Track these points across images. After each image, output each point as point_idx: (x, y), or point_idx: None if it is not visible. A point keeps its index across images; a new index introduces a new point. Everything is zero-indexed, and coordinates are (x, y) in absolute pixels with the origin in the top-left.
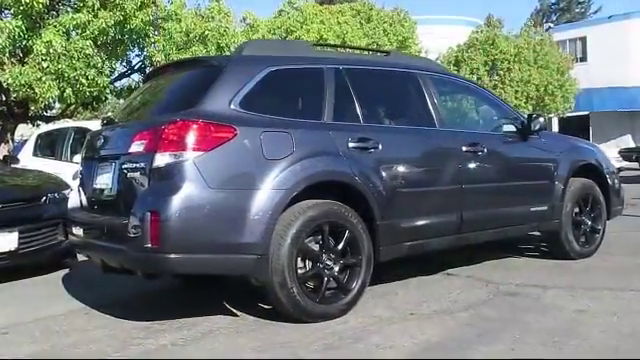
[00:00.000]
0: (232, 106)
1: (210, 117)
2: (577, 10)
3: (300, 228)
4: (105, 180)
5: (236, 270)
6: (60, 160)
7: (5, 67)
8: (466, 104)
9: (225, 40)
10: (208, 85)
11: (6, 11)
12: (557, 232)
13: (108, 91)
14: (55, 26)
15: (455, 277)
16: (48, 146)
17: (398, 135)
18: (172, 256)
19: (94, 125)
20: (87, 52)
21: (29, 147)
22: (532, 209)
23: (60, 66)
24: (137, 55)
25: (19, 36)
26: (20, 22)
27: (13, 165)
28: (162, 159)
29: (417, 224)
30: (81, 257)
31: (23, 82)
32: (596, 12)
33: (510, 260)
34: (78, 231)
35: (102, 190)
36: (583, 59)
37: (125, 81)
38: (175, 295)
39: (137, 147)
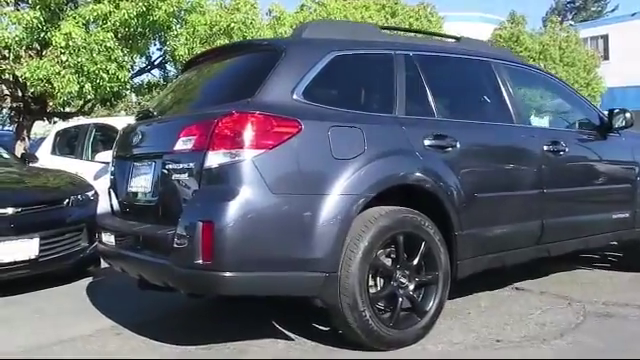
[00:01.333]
0: (295, 96)
1: (270, 109)
2: (593, 9)
3: (372, 240)
4: (143, 182)
5: (301, 291)
6: (81, 159)
7: (22, 60)
8: (541, 97)
9: (251, 33)
10: (265, 72)
11: (23, 3)
12: (638, 242)
13: (128, 86)
14: (74, 17)
15: (528, 293)
16: (67, 144)
17: (476, 132)
18: (227, 274)
19: (116, 122)
20: (108, 45)
21: (47, 145)
22: (614, 216)
23: (80, 59)
24: (158, 49)
25: (37, 28)
26: (38, 13)
27: (32, 164)
28: (215, 158)
29: (497, 234)
30: (104, 264)
31: (41, 76)
32: (613, 10)
33: (581, 273)
34: (109, 240)
35: (139, 194)
36: (605, 57)
37: (144, 77)
38: (216, 311)
39: (184, 144)
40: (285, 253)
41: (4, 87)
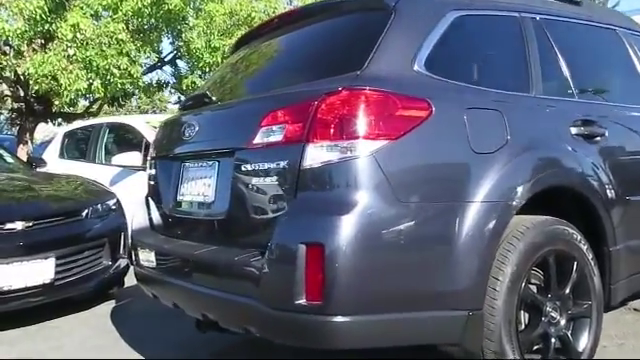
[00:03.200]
0: (416, 67)
1: (389, 84)
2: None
3: (520, 262)
4: (201, 189)
5: (439, 337)
6: (94, 162)
7: (25, 54)
8: None
9: None
10: (373, 36)
11: None
12: None
13: (141, 84)
14: (82, 7)
15: None
16: (77, 146)
17: (623, 117)
18: (343, 319)
19: (133, 120)
20: (119, 37)
21: (54, 148)
22: None
23: (88, 53)
24: (171, 43)
25: (41, 19)
26: (42, 2)
27: (39, 169)
28: (318, 154)
29: None
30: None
31: (46, 72)
32: (614, 7)
33: None
34: (148, 261)
35: (195, 204)
36: None
37: (154, 75)
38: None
39: (268, 136)
40: (420, 286)
41: (4, 86)
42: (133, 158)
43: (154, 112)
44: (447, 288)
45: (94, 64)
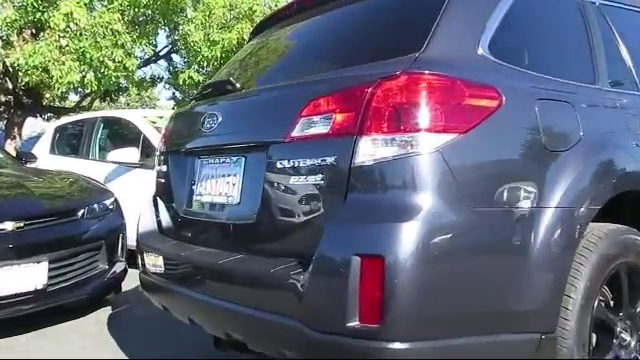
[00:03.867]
0: (480, 50)
1: (454, 69)
2: None
3: (594, 277)
4: (222, 188)
5: None
6: (87, 159)
7: (15, 44)
8: None
9: None
10: (429, 14)
11: None
12: None
13: (136, 77)
14: None
15: None
16: (69, 141)
17: None
18: (403, 347)
19: (130, 115)
20: (115, 28)
21: (45, 143)
22: None
23: (82, 45)
24: (167, 36)
25: (32, 7)
26: None
27: (29, 164)
28: (374, 149)
29: None
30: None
31: (37, 63)
32: None
33: None
34: (157, 268)
35: (216, 205)
36: None
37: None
38: None
39: (310, 127)
40: (491, 305)
41: None
42: (130, 154)
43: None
44: (519, 307)
45: (88, 56)
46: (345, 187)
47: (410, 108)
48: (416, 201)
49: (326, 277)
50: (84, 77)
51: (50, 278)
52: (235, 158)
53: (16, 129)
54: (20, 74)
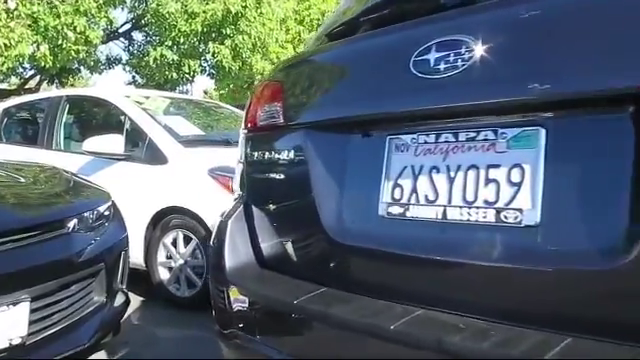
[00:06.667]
0: None
1: None
2: None
3: None
4: (475, 191)
5: None
6: (49, 149)
7: None
8: None
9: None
10: None
11: None
12: None
13: (100, 54)
14: None
15: None
16: (23, 127)
17: None
18: None
19: (105, 94)
20: None
21: None
22: None
23: (35, 9)
24: (130, 10)
25: None
26: None
27: None
28: None
29: None
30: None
31: None
32: None
33: None
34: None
35: (454, 228)
36: None
37: (103, 48)
38: None
39: None
40: None
41: None
42: (112, 144)
43: None
44: None
45: (42, 23)
46: None
47: None
48: None
49: None
50: (37, 50)
51: (32, 323)
52: (518, 131)
53: None
54: None
